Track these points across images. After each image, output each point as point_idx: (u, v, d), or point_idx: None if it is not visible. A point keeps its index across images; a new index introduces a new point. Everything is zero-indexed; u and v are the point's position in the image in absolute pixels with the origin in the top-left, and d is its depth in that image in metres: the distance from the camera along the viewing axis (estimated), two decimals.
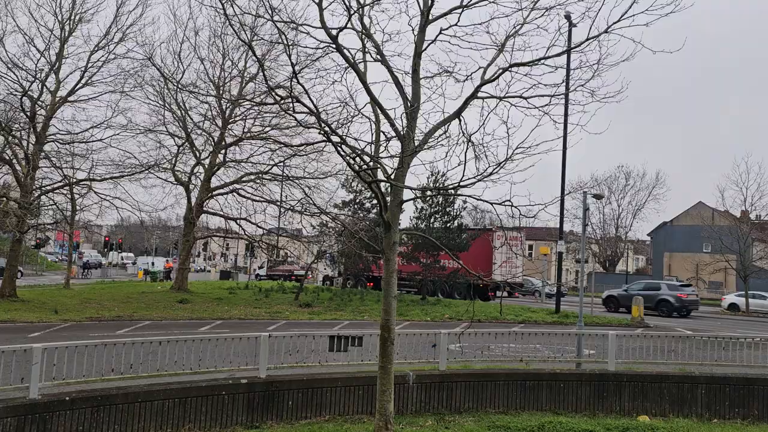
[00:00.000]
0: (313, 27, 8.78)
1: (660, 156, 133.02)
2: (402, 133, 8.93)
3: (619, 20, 8.45)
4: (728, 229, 43.73)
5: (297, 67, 8.43)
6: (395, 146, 9.35)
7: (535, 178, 9.66)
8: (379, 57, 9.21)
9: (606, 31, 8.59)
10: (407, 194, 9.56)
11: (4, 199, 26.66)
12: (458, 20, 9.08)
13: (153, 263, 64.46)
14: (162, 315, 23.53)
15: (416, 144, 8.97)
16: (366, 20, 9.03)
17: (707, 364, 12.74)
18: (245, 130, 31.55)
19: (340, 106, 9.74)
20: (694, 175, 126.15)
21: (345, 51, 8.65)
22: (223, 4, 8.67)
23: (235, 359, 10.84)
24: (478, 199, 9.11)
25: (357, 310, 27.42)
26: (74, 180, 28.55)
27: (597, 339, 14.16)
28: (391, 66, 9.13)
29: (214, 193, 32.01)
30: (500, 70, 9.00)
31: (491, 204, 8.88)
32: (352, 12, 8.52)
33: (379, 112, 9.19)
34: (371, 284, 37.98)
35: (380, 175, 8.97)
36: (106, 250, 62.18)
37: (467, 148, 8.75)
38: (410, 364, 11.73)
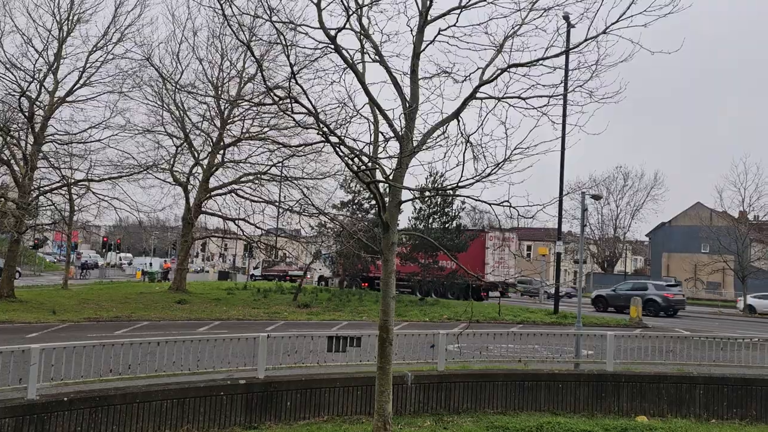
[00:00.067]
0: (311, 27, 8.78)
1: (658, 157, 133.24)
2: (400, 133, 8.93)
3: (617, 21, 8.46)
4: (726, 229, 43.81)
5: (295, 68, 8.44)
6: (394, 147, 9.36)
7: (534, 179, 9.69)
8: (377, 57, 9.21)
9: (604, 32, 8.60)
10: (406, 195, 9.56)
11: (2, 199, 26.66)
12: (457, 21, 9.09)
13: (151, 264, 64.43)
14: (160, 315, 23.51)
15: (415, 144, 8.97)
16: (364, 21, 9.04)
17: (705, 364, 12.75)
18: (244, 130, 31.55)
19: (338, 106, 9.74)
20: (692, 176, 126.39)
21: (343, 51, 8.65)
22: (221, 5, 8.67)
23: (234, 360, 10.84)
24: (476, 200, 9.12)
25: (355, 310, 27.41)
26: (72, 180, 28.53)
27: (595, 339, 14.16)
28: (389, 66, 9.13)
29: (212, 193, 31.99)
30: (499, 71, 9.01)
31: (490, 204, 8.89)
32: (350, 12, 8.53)
33: (377, 112, 9.19)
34: (366, 284, 38.05)
35: (379, 176, 8.97)
36: (104, 250, 62.03)
37: (466, 149, 8.76)
38: (409, 364, 11.73)
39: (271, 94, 9.68)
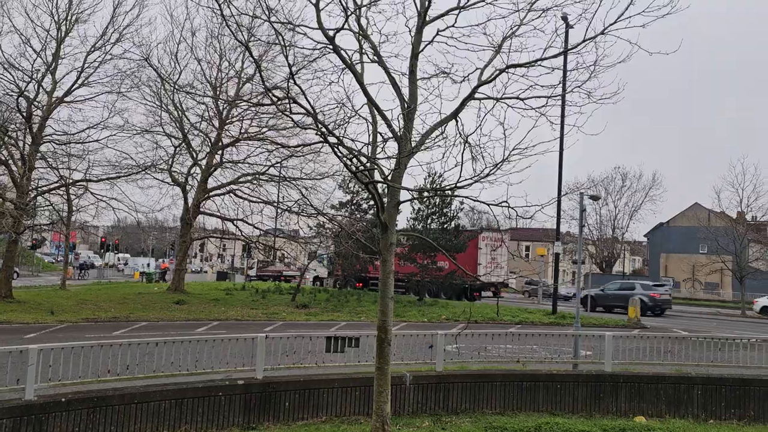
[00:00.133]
0: (310, 28, 8.78)
1: (656, 157, 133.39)
2: (399, 134, 8.93)
3: (615, 22, 8.47)
4: (724, 230, 43.84)
5: (294, 68, 8.45)
6: (392, 147, 9.37)
7: (532, 179, 9.70)
8: (376, 58, 9.21)
9: (602, 33, 8.61)
10: (404, 195, 9.57)
11: (0, 199, 26.58)
12: (455, 21, 9.09)
13: (149, 264, 64.41)
14: (159, 316, 23.48)
15: (413, 145, 8.97)
16: (363, 21, 9.04)
17: (703, 365, 12.76)
18: (242, 130, 31.54)
19: (337, 107, 9.75)
20: (690, 177, 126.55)
21: (342, 52, 8.65)
22: (220, 5, 8.66)
23: (232, 360, 10.83)
24: (474, 200, 9.11)
25: (354, 311, 27.40)
26: (70, 181, 28.47)
27: (594, 340, 14.17)
28: (388, 67, 9.13)
29: (210, 193, 31.97)
30: (497, 71, 9.01)
31: (488, 205, 8.89)
32: (349, 13, 8.53)
33: (376, 113, 9.18)
34: (359, 284, 38.10)
35: (377, 176, 8.97)
36: (102, 251, 61.96)
37: (464, 149, 8.76)
38: (407, 365, 11.73)
39: (270, 94, 9.67)
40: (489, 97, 9.10)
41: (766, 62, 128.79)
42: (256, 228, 32.78)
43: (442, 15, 9.18)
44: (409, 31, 9.14)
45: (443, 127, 9.13)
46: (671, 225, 69.56)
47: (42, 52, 26.51)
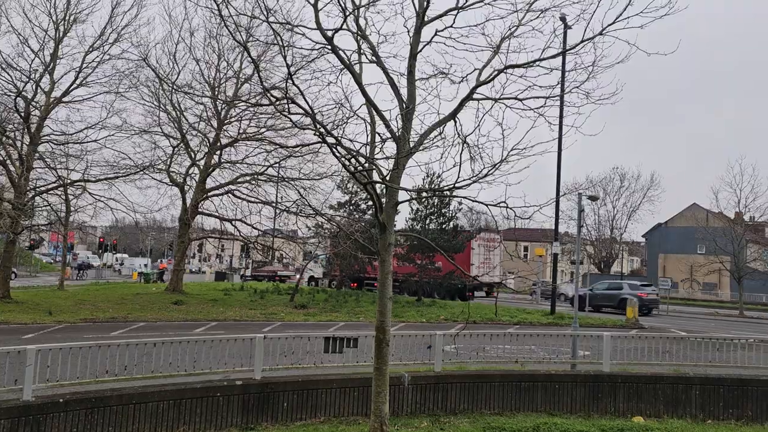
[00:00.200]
0: (308, 28, 8.78)
1: (655, 158, 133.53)
2: (397, 134, 8.93)
3: (613, 22, 8.48)
4: (722, 230, 43.88)
5: (292, 69, 8.44)
6: (391, 147, 9.36)
7: (531, 180, 9.70)
8: (374, 58, 9.21)
9: (601, 33, 8.62)
10: (403, 196, 9.57)
11: None
12: (454, 22, 9.09)
13: (146, 265, 64.29)
14: (157, 316, 23.46)
15: (411, 145, 8.97)
16: (361, 21, 9.04)
17: (701, 365, 12.78)
18: (240, 131, 31.53)
19: (335, 107, 9.72)
20: (688, 177, 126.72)
21: (340, 52, 8.65)
22: (218, 5, 8.66)
23: (230, 361, 10.83)
24: (473, 201, 9.11)
25: (352, 311, 27.39)
26: (68, 181, 28.43)
27: (592, 340, 14.18)
28: (386, 67, 9.13)
29: (209, 194, 31.94)
30: (495, 72, 9.01)
31: (486, 205, 8.88)
32: (347, 13, 8.53)
33: (374, 113, 9.18)
34: (354, 285, 38.11)
35: (376, 177, 8.97)
36: (100, 251, 61.87)
37: (462, 150, 8.76)
38: (405, 365, 11.73)
39: (268, 94, 9.66)
40: (487, 98, 9.11)
41: (764, 63, 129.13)
42: (255, 228, 32.78)
43: (441, 15, 9.18)
44: (408, 31, 9.14)
45: (442, 127, 9.14)
46: (669, 225, 69.63)
47: (40, 52, 26.51)
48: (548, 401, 11.96)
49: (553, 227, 31.62)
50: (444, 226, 33.14)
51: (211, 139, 30.96)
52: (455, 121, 9.03)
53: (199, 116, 31.10)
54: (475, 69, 9.22)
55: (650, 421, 11.48)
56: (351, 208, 34.90)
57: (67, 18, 26.74)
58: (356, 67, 9.19)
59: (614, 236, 73.16)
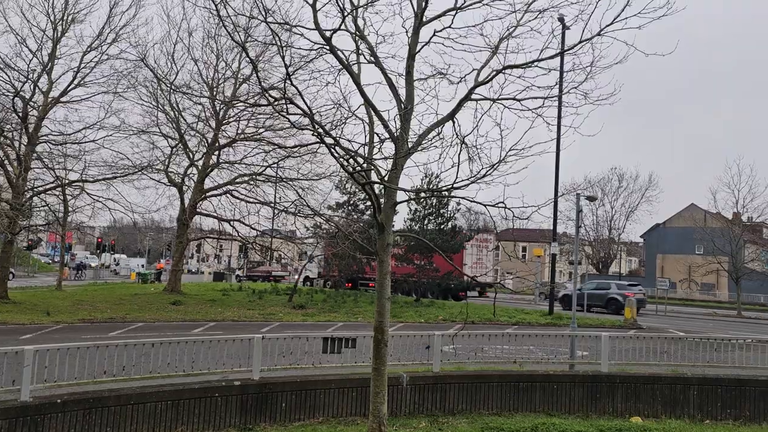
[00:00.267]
0: (306, 28, 8.77)
1: (653, 158, 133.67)
2: (396, 134, 8.93)
3: (611, 23, 8.49)
4: (720, 231, 43.95)
5: (290, 69, 8.42)
6: (389, 148, 9.36)
7: (529, 180, 9.69)
8: (372, 59, 9.21)
9: (599, 34, 8.63)
10: (401, 196, 9.56)
11: None
12: (452, 22, 9.09)
13: (142, 265, 64.24)
14: (155, 317, 23.43)
15: (410, 146, 8.96)
16: (360, 22, 9.04)
17: (699, 365, 12.80)
18: (239, 131, 31.51)
19: (333, 107, 9.72)
20: (686, 178, 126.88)
21: (339, 52, 8.65)
22: (216, 6, 8.65)
23: (229, 361, 10.82)
24: (471, 201, 9.10)
25: (351, 311, 27.39)
26: (66, 181, 28.39)
27: (590, 340, 14.20)
28: (384, 68, 9.13)
29: (207, 194, 31.91)
30: (494, 72, 9.02)
31: (485, 206, 8.87)
32: (345, 14, 8.52)
33: (372, 113, 9.18)
34: (349, 285, 38.12)
35: (374, 177, 8.97)
36: (98, 251, 61.85)
37: (461, 150, 8.76)
38: (404, 365, 11.73)
39: (267, 95, 9.66)
40: (486, 98, 9.10)
41: (762, 63, 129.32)
42: (253, 229, 32.77)
43: (439, 16, 9.18)
44: (406, 32, 9.14)
45: (440, 127, 9.13)
46: (667, 226, 69.73)
47: (38, 52, 26.48)
48: (546, 401, 11.96)
49: (552, 228, 31.66)
50: (442, 226, 33.15)
51: (209, 140, 30.94)
52: (454, 122, 9.03)
53: (198, 116, 31.11)
54: (474, 69, 9.22)
55: (648, 422, 11.49)
56: (349, 208, 34.90)
57: (65, 18, 26.71)
58: (355, 68, 9.19)
59: (612, 237, 73.27)
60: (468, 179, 8.77)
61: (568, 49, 9.20)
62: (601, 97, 9.14)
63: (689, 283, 64.86)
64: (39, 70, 26.49)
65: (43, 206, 30.67)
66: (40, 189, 28.24)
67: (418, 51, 9.15)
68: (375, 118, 9.21)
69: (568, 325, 20.97)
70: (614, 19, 8.44)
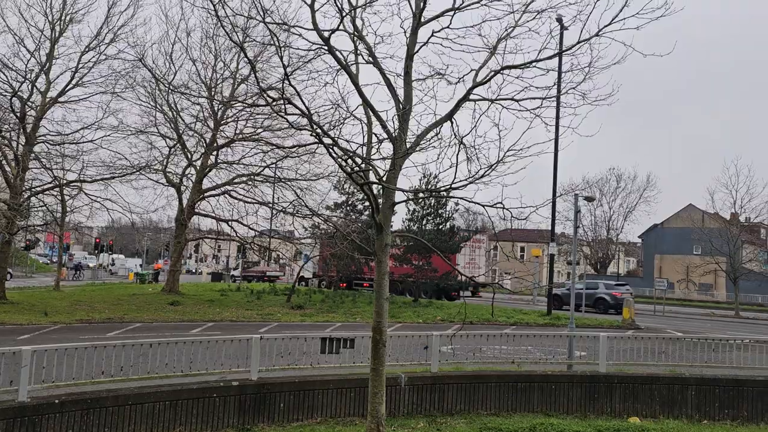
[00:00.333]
0: (305, 29, 8.77)
1: (651, 159, 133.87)
2: (394, 135, 8.93)
3: (609, 23, 8.49)
4: (718, 231, 44.06)
5: (289, 69, 8.42)
6: (387, 148, 9.35)
7: (527, 181, 9.70)
8: (371, 59, 9.21)
9: (597, 35, 8.63)
10: (399, 196, 9.56)
11: None
12: (450, 23, 9.09)
13: (141, 266, 64.11)
14: (153, 317, 23.41)
15: (408, 146, 8.97)
16: (358, 22, 9.04)
17: (697, 365, 12.81)
18: (237, 131, 31.49)
19: (332, 108, 9.72)
20: (684, 178, 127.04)
21: (337, 53, 8.65)
22: (215, 6, 8.64)
23: (227, 361, 10.81)
24: (470, 201, 9.10)
25: (349, 312, 27.39)
26: (64, 181, 28.36)
27: (588, 341, 14.21)
28: (383, 68, 9.13)
29: (205, 194, 31.89)
30: (492, 73, 9.02)
31: (483, 206, 8.86)
32: (344, 14, 8.52)
33: (371, 114, 9.18)
34: (343, 285, 38.14)
35: (372, 177, 8.96)
36: (96, 252, 61.75)
37: (459, 150, 8.75)
38: (402, 366, 11.73)
39: (265, 95, 9.66)
40: (484, 99, 9.11)
41: (760, 64, 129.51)
42: (251, 229, 32.75)
43: (438, 16, 9.18)
44: (404, 32, 9.14)
45: (438, 128, 9.13)
46: (665, 226, 69.84)
47: (36, 52, 26.45)
48: (545, 402, 11.97)
49: (550, 228, 31.68)
50: (441, 226, 33.16)
51: (207, 140, 30.92)
52: (452, 122, 9.03)
53: (196, 117, 31.07)
54: (472, 70, 9.23)
55: (646, 422, 11.50)
56: (348, 208, 34.90)
57: (63, 18, 26.67)
58: (353, 68, 9.19)
59: (611, 237, 73.43)
60: (466, 179, 8.76)
61: (567, 50, 9.21)
62: (599, 97, 9.16)
63: (687, 283, 64.97)
64: (37, 70, 26.47)
65: (41, 206, 30.68)
66: (38, 189, 28.20)
67: (417, 51, 9.16)
68: (373, 119, 9.21)
69: (566, 326, 20.99)
70: (612, 20, 8.45)
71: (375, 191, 9.01)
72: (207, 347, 11.02)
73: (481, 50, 9.28)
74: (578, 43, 8.80)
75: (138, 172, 28.46)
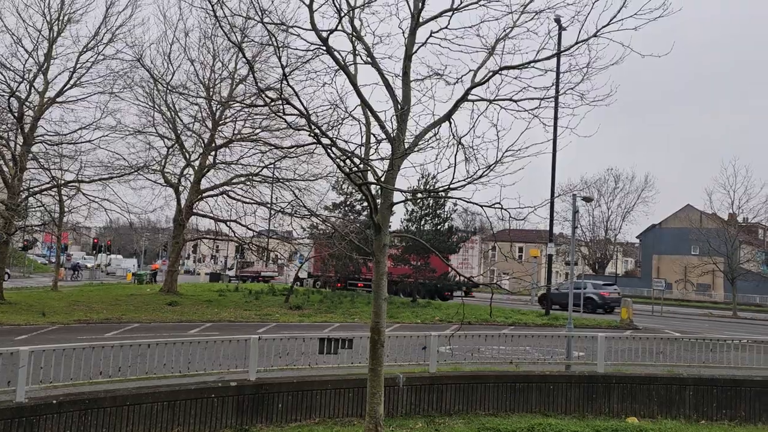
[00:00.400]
0: (303, 29, 8.77)
1: (649, 159, 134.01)
2: (392, 135, 8.93)
3: (608, 24, 8.51)
4: (716, 231, 44.11)
5: (287, 69, 8.43)
6: (385, 148, 9.36)
7: (525, 181, 9.70)
8: (369, 59, 9.22)
9: (595, 35, 8.65)
10: (397, 197, 9.56)
11: None
12: (448, 23, 9.10)
13: (139, 266, 64.01)
14: (151, 317, 23.39)
15: (406, 146, 8.97)
16: (356, 23, 9.04)
17: (695, 365, 12.83)
18: (235, 131, 31.49)
19: (330, 108, 9.73)
20: (682, 179, 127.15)
21: (335, 53, 8.65)
22: (213, 6, 8.64)
23: (225, 362, 10.80)
24: (468, 202, 9.11)
25: (347, 312, 27.39)
26: (62, 181, 28.34)
27: (586, 341, 14.22)
28: (381, 68, 9.13)
29: (203, 194, 31.88)
30: (490, 73, 9.03)
31: (481, 206, 8.87)
32: (342, 14, 8.52)
33: (369, 114, 9.18)
34: (339, 285, 38.16)
35: (370, 178, 8.96)
36: (95, 252, 61.68)
37: (457, 151, 8.75)
38: (400, 366, 11.73)
39: (263, 95, 9.65)
40: (482, 99, 9.12)
41: (760, 64, 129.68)
42: (249, 229, 32.74)
43: (436, 17, 9.18)
44: (403, 32, 9.15)
45: (436, 128, 9.14)
46: (663, 226, 69.92)
47: (34, 52, 26.41)
48: (543, 402, 11.97)
49: (548, 228, 31.71)
50: (439, 227, 33.18)
51: (205, 140, 30.91)
52: (450, 122, 9.04)
53: (194, 117, 31.05)
54: (470, 70, 9.23)
55: (644, 422, 11.51)
56: (346, 209, 34.90)
57: (61, 18, 26.65)
58: (351, 68, 9.19)
59: (609, 237, 73.47)
60: (464, 180, 8.77)
61: (565, 50, 9.23)
62: (597, 98, 9.18)
63: (685, 283, 65.03)
64: (35, 70, 26.44)
65: (39, 206, 30.62)
66: (36, 189, 28.17)
67: (415, 52, 9.16)
68: (372, 119, 9.21)
69: (564, 326, 21.01)
70: (610, 21, 8.47)
71: (373, 191, 9.00)
72: (205, 347, 11.02)
73: (480, 51, 9.30)
74: (576, 43, 8.81)
75: (136, 173, 28.47)
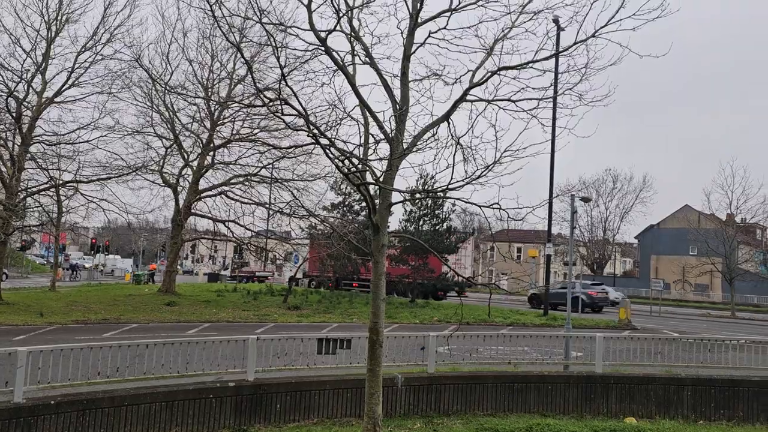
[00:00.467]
0: (301, 29, 8.77)
1: (647, 159, 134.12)
2: (391, 135, 8.93)
3: (606, 24, 8.52)
4: (714, 232, 44.17)
5: (285, 70, 8.44)
6: (384, 149, 9.36)
7: (524, 181, 9.70)
8: (368, 60, 9.21)
9: (593, 36, 8.66)
10: (396, 197, 9.56)
11: None
12: (447, 23, 9.10)
13: (137, 266, 63.95)
14: (149, 318, 23.37)
15: (405, 147, 8.97)
16: (355, 23, 9.04)
17: (693, 366, 12.84)
18: (234, 132, 31.49)
19: (328, 108, 9.74)
20: (680, 179, 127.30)
21: (334, 53, 8.65)
22: (211, 6, 8.64)
23: (223, 362, 10.79)
24: (466, 202, 9.13)
25: (346, 312, 27.39)
26: (60, 181, 28.29)
27: (584, 341, 14.22)
28: (379, 69, 9.13)
29: (202, 195, 31.87)
30: (489, 74, 9.03)
31: (479, 207, 8.90)
32: (341, 15, 8.52)
33: (367, 114, 9.18)
34: (332, 285, 38.21)
35: (369, 178, 8.96)
36: (93, 252, 61.68)
37: (456, 151, 8.77)
38: (399, 366, 11.72)
39: (261, 95, 9.65)
40: (481, 99, 9.12)
41: (760, 64, 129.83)
42: (248, 229, 32.75)
43: (434, 17, 9.19)
44: (401, 33, 9.14)
45: (435, 128, 9.14)
46: (661, 227, 70.02)
47: (32, 52, 26.38)
48: (541, 402, 11.98)
49: (546, 229, 31.74)
50: (437, 227, 33.20)
51: (204, 140, 30.91)
52: (449, 123, 9.04)
53: (192, 117, 31.07)
54: (469, 71, 9.24)
55: (642, 422, 11.52)
56: (344, 209, 34.91)
57: (59, 18, 26.64)
58: (350, 69, 9.19)
59: (607, 238, 73.53)
60: (463, 180, 8.78)
61: (563, 51, 9.23)
62: (595, 98, 9.19)
63: (683, 284, 65.09)
64: (33, 70, 26.42)
65: (37, 207, 30.56)
66: (34, 189, 28.12)
67: (413, 52, 9.16)
68: (370, 119, 9.21)
69: (562, 326, 21.01)
70: (609, 21, 8.48)
71: (372, 192, 9.00)
72: (203, 348, 11.01)
73: (478, 51, 9.30)
74: (575, 44, 8.82)
75: (134, 173, 28.45)
